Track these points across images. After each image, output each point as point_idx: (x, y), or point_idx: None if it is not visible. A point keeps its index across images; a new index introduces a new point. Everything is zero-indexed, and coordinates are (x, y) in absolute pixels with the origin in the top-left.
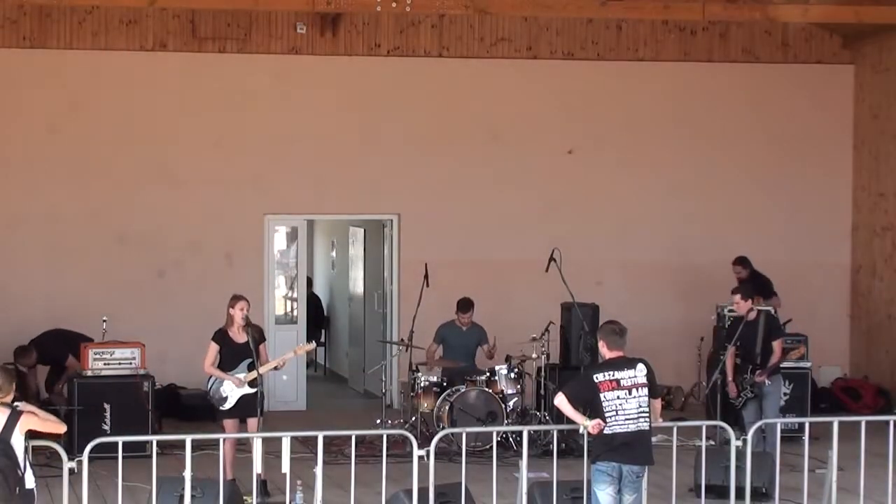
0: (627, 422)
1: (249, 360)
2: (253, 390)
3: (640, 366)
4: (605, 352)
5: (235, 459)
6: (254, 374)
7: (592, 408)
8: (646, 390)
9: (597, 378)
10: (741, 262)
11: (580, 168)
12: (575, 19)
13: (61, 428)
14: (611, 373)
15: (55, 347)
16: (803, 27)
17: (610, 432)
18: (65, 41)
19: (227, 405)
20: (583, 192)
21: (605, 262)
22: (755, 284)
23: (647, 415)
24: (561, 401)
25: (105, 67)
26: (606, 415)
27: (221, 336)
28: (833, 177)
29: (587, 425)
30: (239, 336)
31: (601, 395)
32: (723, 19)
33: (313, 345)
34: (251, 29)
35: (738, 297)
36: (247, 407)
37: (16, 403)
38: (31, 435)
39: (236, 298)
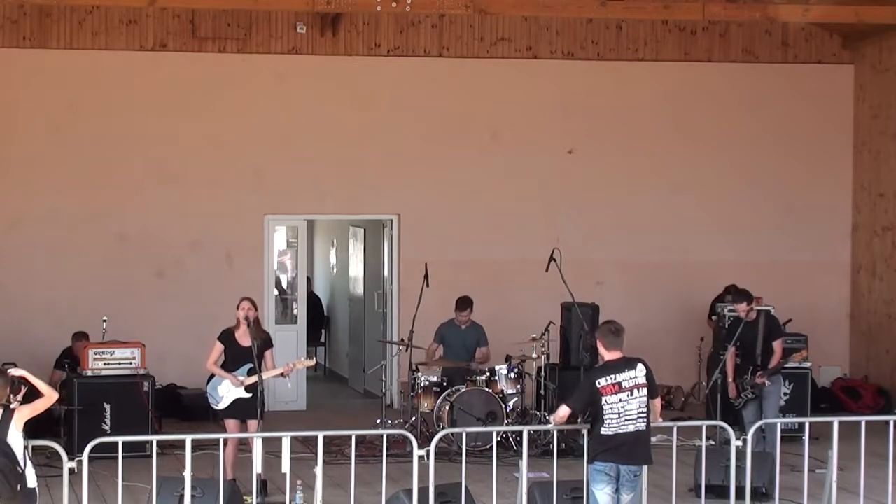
0: (627, 423)
1: (250, 365)
2: (248, 395)
3: (640, 366)
4: (604, 352)
5: (236, 459)
6: (253, 379)
7: (594, 411)
8: (645, 390)
9: (599, 383)
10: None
11: (580, 168)
12: (575, 19)
13: (53, 397)
14: (612, 376)
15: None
16: (803, 27)
17: (609, 433)
18: (65, 41)
19: (222, 405)
20: (583, 192)
21: (605, 262)
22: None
23: (645, 415)
24: (565, 414)
25: (105, 67)
26: (608, 417)
27: (227, 336)
28: (833, 177)
29: None
30: (244, 339)
31: (603, 399)
32: (723, 19)
33: (313, 360)
34: (251, 29)
35: (744, 304)
36: (245, 409)
37: (13, 405)
38: (31, 434)
39: (241, 299)
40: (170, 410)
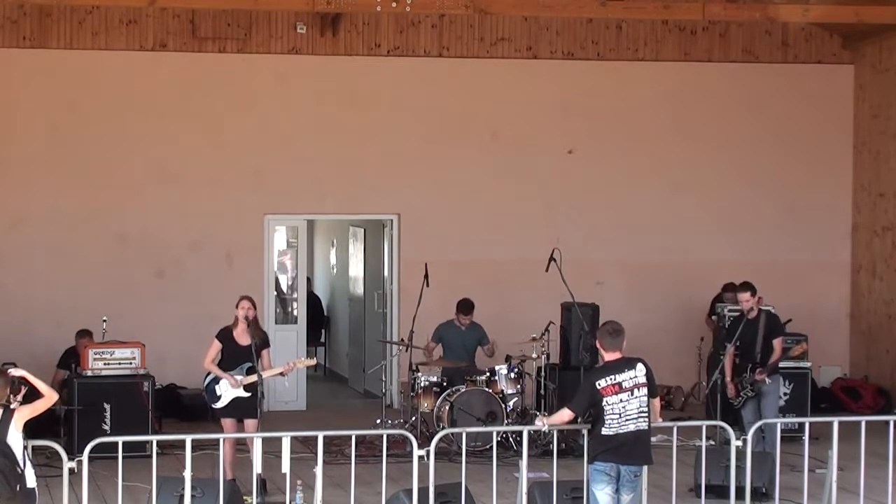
0: (628, 422)
1: (249, 364)
2: (247, 394)
3: (640, 366)
4: (603, 353)
5: (235, 459)
6: (252, 378)
7: (595, 411)
8: (645, 390)
9: (599, 384)
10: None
11: (580, 168)
12: (575, 19)
13: (53, 397)
14: (612, 377)
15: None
16: (803, 27)
17: (610, 433)
18: (65, 41)
19: (220, 404)
20: (583, 192)
21: (605, 262)
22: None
23: (646, 415)
24: (567, 418)
25: (105, 67)
26: (609, 418)
27: (225, 334)
28: (833, 177)
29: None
30: (242, 338)
31: (604, 400)
32: (723, 19)
33: (314, 360)
34: (251, 29)
35: (747, 294)
36: (243, 408)
37: (13, 405)
38: (31, 434)
39: (240, 298)
40: (170, 410)
